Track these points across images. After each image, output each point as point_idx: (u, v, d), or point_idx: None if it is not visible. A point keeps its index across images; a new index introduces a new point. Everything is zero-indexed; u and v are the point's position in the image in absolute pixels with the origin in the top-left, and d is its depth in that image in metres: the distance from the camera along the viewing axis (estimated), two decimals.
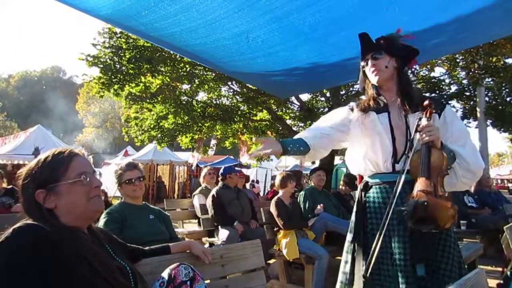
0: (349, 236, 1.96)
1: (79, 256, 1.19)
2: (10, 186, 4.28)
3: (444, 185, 1.69)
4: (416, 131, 1.71)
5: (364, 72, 1.99)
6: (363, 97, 2.09)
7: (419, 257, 1.66)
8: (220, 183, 5.03)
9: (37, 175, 1.27)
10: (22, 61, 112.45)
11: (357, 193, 1.99)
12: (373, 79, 1.91)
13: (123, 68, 7.56)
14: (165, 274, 1.55)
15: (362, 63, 1.98)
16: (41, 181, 1.26)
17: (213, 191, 4.87)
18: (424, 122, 1.70)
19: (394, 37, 1.91)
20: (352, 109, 2.02)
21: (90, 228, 1.42)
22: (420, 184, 1.62)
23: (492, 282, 3.85)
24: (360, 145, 1.90)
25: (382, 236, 1.61)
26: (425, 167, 1.64)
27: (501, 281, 1.27)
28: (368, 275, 1.61)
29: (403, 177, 1.64)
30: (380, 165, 1.82)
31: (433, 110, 1.72)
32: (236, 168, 6.45)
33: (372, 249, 1.63)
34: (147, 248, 1.89)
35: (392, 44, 1.89)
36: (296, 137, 1.96)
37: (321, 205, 4.21)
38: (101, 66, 7.48)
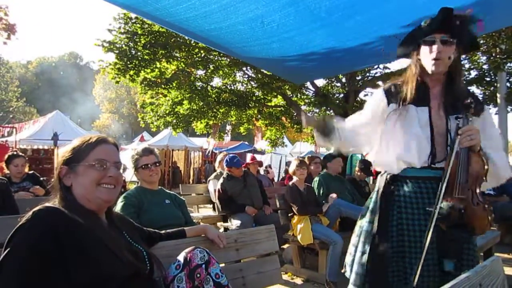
0: (367, 226, 1.84)
1: (95, 239, 1.23)
2: (31, 172, 4.37)
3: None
4: (456, 133, 1.58)
5: (418, 45, 1.72)
6: (394, 80, 1.88)
7: (451, 254, 1.61)
8: (225, 174, 4.91)
9: (66, 155, 1.36)
10: (40, 48, 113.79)
11: (379, 183, 1.87)
12: (430, 67, 1.66)
13: (139, 53, 7.60)
14: (180, 257, 1.58)
15: (424, 37, 1.67)
16: (67, 159, 1.35)
17: (218, 185, 4.76)
18: (465, 124, 1.58)
19: (469, 19, 1.63)
20: (388, 97, 1.80)
21: (108, 213, 1.46)
22: (457, 190, 1.55)
23: (509, 270, 3.82)
24: (393, 143, 1.76)
25: (428, 237, 1.54)
26: (463, 173, 1.55)
27: None
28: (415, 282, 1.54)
29: (443, 186, 1.55)
30: (415, 165, 1.71)
31: (474, 110, 1.60)
32: (250, 154, 6.44)
33: (424, 252, 1.55)
34: (163, 232, 1.92)
35: (464, 29, 1.63)
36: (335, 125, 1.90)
37: (335, 194, 4.15)
38: (117, 51, 7.53)
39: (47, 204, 1.23)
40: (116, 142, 1.47)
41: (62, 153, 1.38)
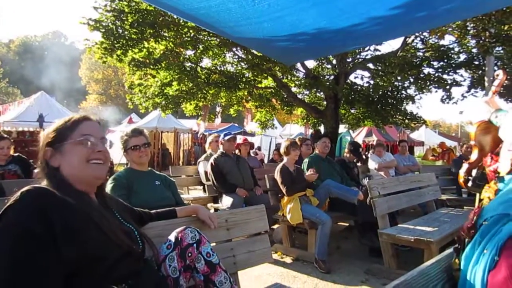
0: None
1: (86, 218, 1.22)
2: (17, 154, 4.30)
3: None
4: None
5: None
6: None
7: None
8: (218, 151, 4.99)
9: (49, 136, 1.33)
10: (22, 26, 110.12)
11: None
12: None
13: (126, 32, 7.40)
14: (172, 237, 1.59)
15: None
16: (50, 140, 1.32)
17: (211, 160, 4.83)
18: None
19: None
20: None
21: (99, 193, 1.44)
22: None
23: None
24: None
25: None
26: None
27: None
28: None
29: None
30: None
31: None
32: (240, 136, 6.44)
33: None
34: (153, 211, 1.92)
35: None
36: None
37: (312, 171, 4.16)
38: (103, 30, 7.32)
39: (36, 185, 1.20)
40: (98, 119, 1.45)
41: (45, 134, 1.35)
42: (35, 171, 3.89)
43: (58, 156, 1.31)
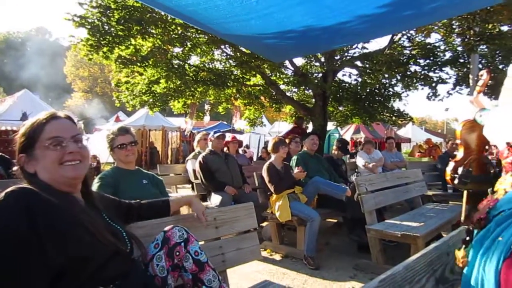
0: None
1: (72, 219, 1.19)
2: (0, 154, 4.21)
3: None
4: None
5: None
6: None
7: None
8: (207, 149, 4.96)
9: (20, 141, 1.27)
10: (3, 22, 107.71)
11: None
12: None
13: (112, 29, 7.28)
14: (159, 236, 1.57)
15: None
16: (22, 146, 1.27)
17: (200, 158, 4.80)
18: None
19: None
20: None
21: (85, 193, 1.40)
22: None
23: None
24: None
25: None
26: None
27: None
28: None
29: None
30: None
31: None
32: (229, 134, 6.43)
33: None
34: (145, 201, 1.87)
35: None
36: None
37: (299, 168, 4.19)
38: (89, 27, 7.19)
39: (20, 185, 1.17)
40: (69, 115, 1.37)
41: (17, 139, 1.29)
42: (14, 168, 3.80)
43: (33, 162, 1.26)
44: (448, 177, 2.82)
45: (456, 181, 2.71)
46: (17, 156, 1.27)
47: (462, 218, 3.07)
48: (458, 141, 2.75)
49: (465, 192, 3.00)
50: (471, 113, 1.80)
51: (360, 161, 6.37)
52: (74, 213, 1.22)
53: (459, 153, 2.87)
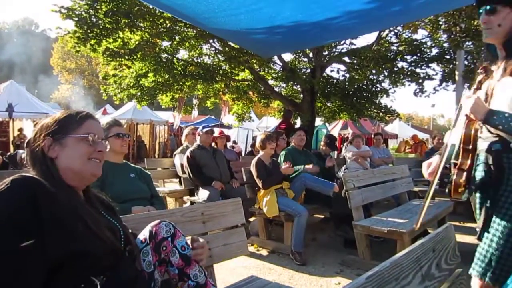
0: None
1: (74, 212, 1.20)
2: None
3: None
4: None
5: None
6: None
7: None
8: (195, 144, 4.96)
9: (50, 126, 1.31)
10: None
11: (484, 155, 1.74)
12: (484, 37, 1.64)
13: (100, 22, 7.19)
14: (146, 231, 1.57)
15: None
16: (51, 131, 1.30)
17: (187, 152, 4.79)
18: None
19: None
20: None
21: (86, 190, 1.43)
22: None
23: (460, 237, 4.11)
24: None
25: None
26: None
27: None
28: None
29: None
30: None
31: None
32: (216, 128, 6.41)
33: None
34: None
35: None
36: None
37: (287, 164, 4.21)
38: (76, 19, 7.08)
39: (25, 174, 1.18)
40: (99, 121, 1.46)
41: (44, 123, 1.33)
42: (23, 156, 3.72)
43: (57, 148, 1.29)
44: (460, 189, 1.91)
45: (467, 193, 1.91)
46: (39, 137, 1.30)
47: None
48: (467, 147, 1.85)
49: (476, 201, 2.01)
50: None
51: (349, 154, 6.41)
52: (77, 208, 1.23)
53: (465, 160, 1.96)
